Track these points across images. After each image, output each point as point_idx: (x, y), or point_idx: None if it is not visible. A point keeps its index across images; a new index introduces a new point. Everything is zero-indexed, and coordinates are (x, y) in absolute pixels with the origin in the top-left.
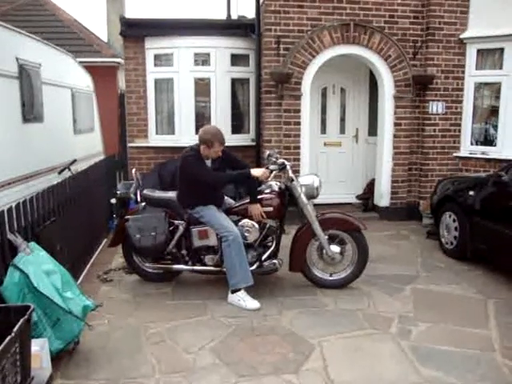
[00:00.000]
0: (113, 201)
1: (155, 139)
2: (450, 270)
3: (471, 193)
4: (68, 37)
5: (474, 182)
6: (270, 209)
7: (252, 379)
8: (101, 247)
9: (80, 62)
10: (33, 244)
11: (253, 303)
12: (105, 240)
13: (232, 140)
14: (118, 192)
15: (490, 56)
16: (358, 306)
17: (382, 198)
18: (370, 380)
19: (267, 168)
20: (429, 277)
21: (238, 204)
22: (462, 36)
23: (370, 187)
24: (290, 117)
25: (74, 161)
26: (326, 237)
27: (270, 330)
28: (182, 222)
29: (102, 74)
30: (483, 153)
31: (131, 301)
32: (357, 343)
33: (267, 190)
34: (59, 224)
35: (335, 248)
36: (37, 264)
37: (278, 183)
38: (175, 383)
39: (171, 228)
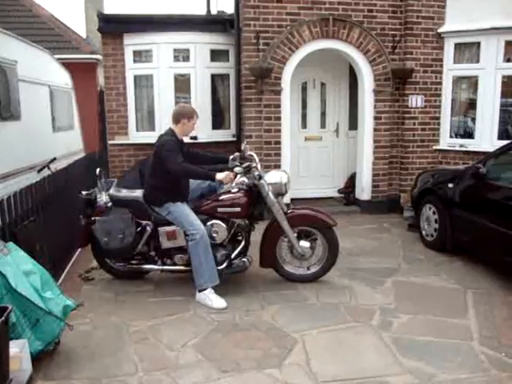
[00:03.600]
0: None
1: (136, 136)
2: (431, 262)
3: (450, 185)
4: (45, 33)
5: (453, 175)
6: (238, 209)
7: (235, 375)
8: None
9: (58, 59)
10: (11, 244)
11: (219, 302)
12: None
13: (213, 135)
14: (84, 193)
15: (468, 50)
16: (340, 299)
17: (363, 191)
18: (352, 372)
19: (232, 171)
20: (410, 269)
21: (206, 203)
22: (439, 30)
23: (352, 181)
24: (271, 112)
25: (54, 159)
26: (295, 234)
27: (252, 326)
28: (149, 222)
29: (81, 71)
30: (462, 145)
31: (113, 299)
32: (339, 336)
33: (234, 190)
34: (39, 223)
35: (305, 243)
36: (15, 264)
37: (247, 180)
38: (158, 381)
39: (139, 229)
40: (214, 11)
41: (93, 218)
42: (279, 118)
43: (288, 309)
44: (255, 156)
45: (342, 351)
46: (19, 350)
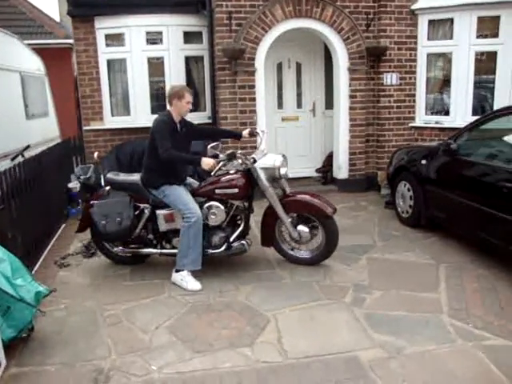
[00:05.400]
0: (71, 185)
1: (111, 121)
2: (405, 238)
3: (423, 161)
4: (16, 17)
5: (426, 151)
6: (236, 190)
7: (207, 354)
8: (58, 233)
9: (31, 44)
10: None
11: (194, 284)
12: (63, 226)
13: (188, 118)
14: (82, 177)
15: (441, 26)
16: (315, 277)
17: (341, 170)
18: (323, 348)
19: (216, 158)
20: (385, 246)
21: (203, 185)
22: (413, 7)
23: (329, 160)
24: (245, 93)
25: (28, 146)
26: (290, 219)
27: (226, 306)
28: (147, 205)
29: (55, 57)
30: (437, 122)
31: (88, 284)
32: (311, 314)
33: (232, 171)
34: (10, 211)
35: (304, 228)
36: None
37: (244, 164)
38: (131, 363)
39: (137, 212)
40: None
41: (91, 202)
42: (254, 99)
43: (262, 288)
44: (261, 134)
45: (314, 328)
46: None
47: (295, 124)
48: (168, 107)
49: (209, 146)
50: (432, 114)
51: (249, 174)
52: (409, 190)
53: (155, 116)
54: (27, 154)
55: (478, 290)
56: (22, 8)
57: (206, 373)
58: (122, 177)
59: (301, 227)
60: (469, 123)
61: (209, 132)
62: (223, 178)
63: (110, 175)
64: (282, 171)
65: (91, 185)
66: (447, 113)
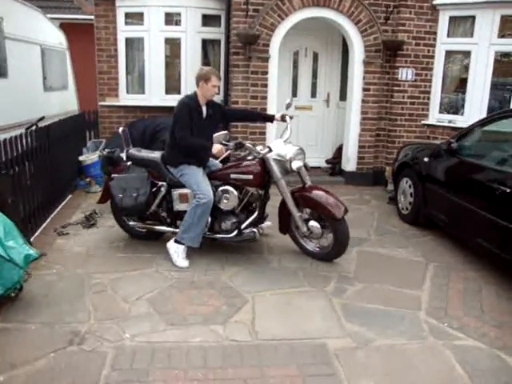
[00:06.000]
0: (82, 158)
1: (126, 98)
2: (401, 235)
3: (426, 159)
4: None
5: (430, 149)
6: (250, 176)
7: (180, 328)
8: (64, 203)
9: (58, 19)
10: None
11: (183, 262)
12: (69, 196)
13: None
14: (106, 150)
15: (462, 24)
16: (301, 265)
17: (349, 162)
18: (293, 333)
19: (225, 145)
20: (379, 240)
21: (220, 168)
22: (434, 2)
23: (340, 152)
24: (258, 79)
25: (43, 118)
26: (299, 214)
27: (208, 284)
28: (165, 183)
29: (82, 32)
30: (450, 121)
31: (83, 253)
32: (290, 299)
33: (250, 157)
34: (13, 178)
35: (315, 224)
36: None
37: (261, 152)
38: (106, 329)
39: (154, 189)
40: None
41: (112, 176)
42: (266, 86)
43: (247, 271)
44: (288, 120)
45: (289, 313)
46: None
47: (309, 113)
48: (196, 89)
49: (214, 135)
50: (446, 112)
51: (265, 163)
52: (410, 187)
53: (169, 96)
54: (43, 125)
55: (462, 291)
56: None
57: (174, 345)
58: (143, 153)
59: (312, 223)
60: (472, 124)
61: (240, 114)
62: (240, 164)
63: (132, 151)
64: (295, 165)
65: (114, 158)
66: (462, 113)
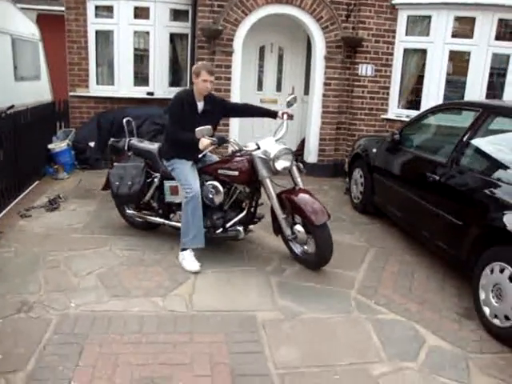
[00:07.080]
0: (51, 146)
1: (96, 89)
2: (350, 222)
3: (374, 150)
4: None
5: (378, 141)
6: (236, 173)
7: (122, 299)
8: (30, 188)
9: (36, 10)
10: None
11: (192, 265)
12: (37, 182)
13: (171, 92)
14: (111, 140)
15: (419, 23)
16: (248, 247)
17: (310, 154)
18: (226, 305)
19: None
20: None
21: (210, 163)
22: (393, 1)
23: (303, 144)
24: (221, 72)
25: (12, 106)
26: (284, 216)
27: (156, 262)
28: (158, 175)
29: (59, 23)
30: (408, 116)
31: (42, 234)
32: (230, 277)
33: (238, 154)
34: None
35: (299, 228)
36: None
37: (247, 149)
38: (54, 300)
39: (149, 180)
40: None
41: (114, 164)
42: (229, 79)
43: (195, 251)
44: (284, 118)
45: (227, 289)
46: None
47: (273, 107)
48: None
49: (196, 129)
50: (404, 107)
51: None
52: (361, 177)
53: (137, 88)
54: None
55: (396, 273)
56: None
57: (115, 314)
58: (143, 144)
59: (297, 227)
60: (413, 117)
61: (242, 109)
62: (229, 160)
63: (133, 141)
64: (279, 165)
65: (119, 148)
66: (419, 108)
